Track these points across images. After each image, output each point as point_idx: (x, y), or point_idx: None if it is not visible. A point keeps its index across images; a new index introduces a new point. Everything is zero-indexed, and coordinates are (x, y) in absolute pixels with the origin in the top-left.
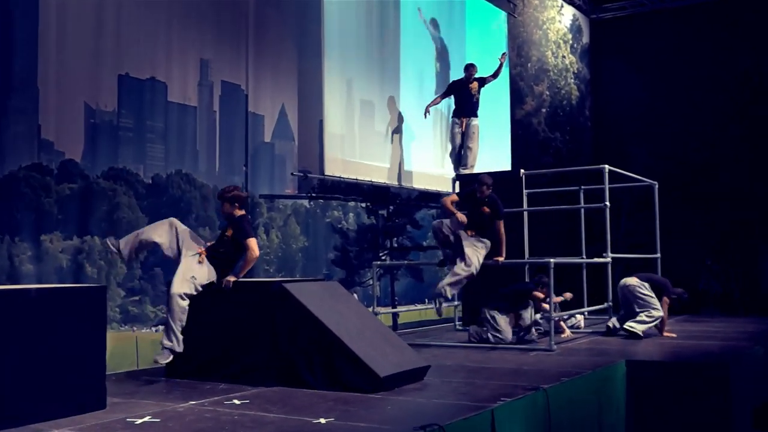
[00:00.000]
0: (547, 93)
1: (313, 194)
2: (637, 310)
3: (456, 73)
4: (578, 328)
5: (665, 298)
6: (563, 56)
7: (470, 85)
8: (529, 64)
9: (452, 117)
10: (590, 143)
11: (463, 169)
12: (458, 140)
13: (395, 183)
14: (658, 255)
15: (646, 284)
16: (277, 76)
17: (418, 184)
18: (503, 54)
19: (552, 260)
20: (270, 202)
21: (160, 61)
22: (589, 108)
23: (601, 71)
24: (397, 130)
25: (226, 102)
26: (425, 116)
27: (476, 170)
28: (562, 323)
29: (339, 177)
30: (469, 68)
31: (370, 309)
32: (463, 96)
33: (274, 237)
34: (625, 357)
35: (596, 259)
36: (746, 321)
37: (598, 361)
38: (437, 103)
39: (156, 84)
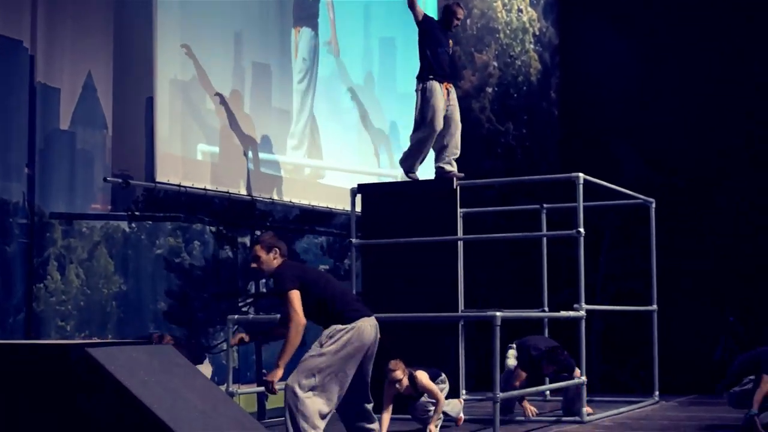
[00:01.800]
0: (495, 65)
1: (137, 212)
2: None
3: (356, 29)
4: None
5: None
6: (519, 10)
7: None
8: (468, 21)
9: (424, 80)
10: (557, 140)
11: (446, 165)
12: (438, 118)
13: (267, 196)
14: (655, 307)
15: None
16: (82, 30)
17: (295, 194)
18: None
19: (498, 314)
20: (67, 224)
21: None
22: (555, 88)
23: (574, 33)
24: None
25: None
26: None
27: (386, 179)
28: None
29: (178, 185)
30: (455, 10)
31: (224, 388)
32: (443, 47)
33: (72, 277)
34: None
35: (564, 313)
36: None
37: None
38: None
39: None
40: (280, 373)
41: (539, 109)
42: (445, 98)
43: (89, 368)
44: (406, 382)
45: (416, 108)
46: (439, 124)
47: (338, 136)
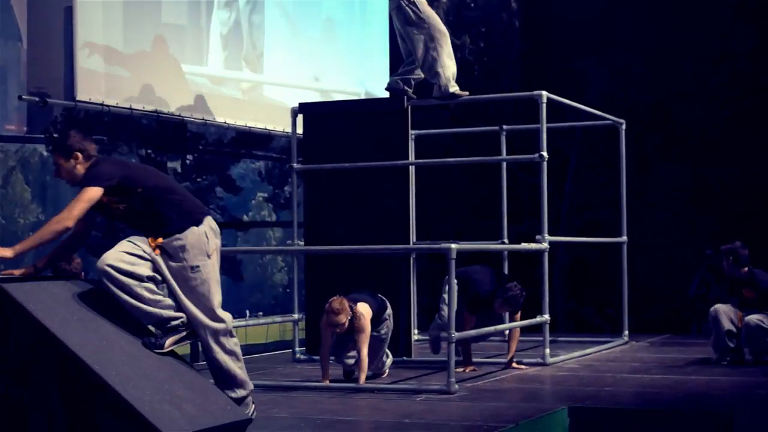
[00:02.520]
0: None
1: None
2: None
3: None
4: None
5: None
6: None
7: None
8: None
9: None
10: (518, 55)
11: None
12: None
13: (199, 117)
14: (624, 239)
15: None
16: None
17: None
18: None
19: (453, 246)
20: None
21: None
22: None
23: None
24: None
25: None
26: None
27: (315, 97)
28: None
29: (101, 104)
30: None
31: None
32: None
33: None
34: (566, 401)
35: (526, 245)
36: None
37: (523, 410)
38: None
39: None
40: (7, 253)
41: (498, 21)
42: None
43: (3, 302)
44: (347, 325)
45: (409, 23)
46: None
47: (281, 46)
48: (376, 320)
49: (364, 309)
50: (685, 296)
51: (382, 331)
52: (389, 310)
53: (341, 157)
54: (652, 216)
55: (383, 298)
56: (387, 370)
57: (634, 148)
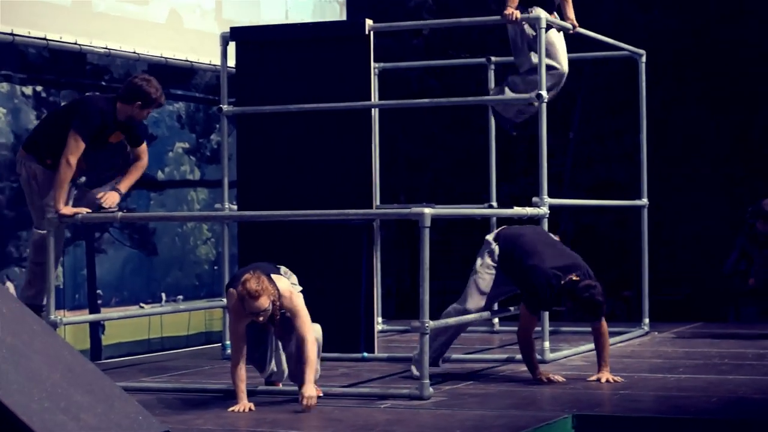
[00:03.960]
0: None
1: None
2: None
3: None
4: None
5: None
6: None
7: None
8: None
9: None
10: None
11: None
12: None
13: (102, 45)
14: (645, 202)
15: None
16: None
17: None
18: None
19: (427, 211)
20: None
21: None
22: None
23: None
24: None
25: None
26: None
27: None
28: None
29: None
30: None
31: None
32: None
33: None
34: (570, 408)
35: (520, 210)
36: None
37: (515, 419)
38: None
39: None
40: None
41: None
42: None
43: None
44: (271, 307)
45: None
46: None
47: None
48: None
49: (287, 283)
50: (720, 274)
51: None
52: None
53: (284, 98)
54: (679, 173)
55: (286, 269)
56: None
57: (656, 87)
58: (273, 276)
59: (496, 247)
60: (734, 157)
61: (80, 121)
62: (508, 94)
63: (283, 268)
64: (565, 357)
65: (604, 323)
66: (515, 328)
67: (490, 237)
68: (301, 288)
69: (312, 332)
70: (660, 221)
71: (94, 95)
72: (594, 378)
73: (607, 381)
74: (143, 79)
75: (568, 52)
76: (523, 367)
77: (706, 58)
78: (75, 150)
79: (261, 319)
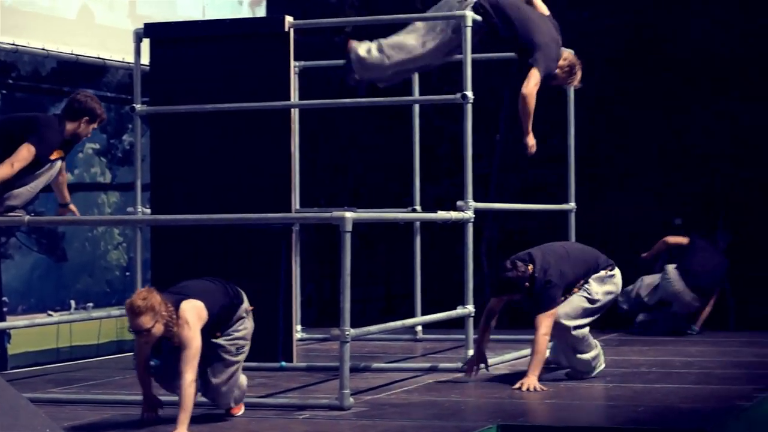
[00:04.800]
0: None
1: None
2: None
3: None
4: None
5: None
6: None
7: None
8: None
9: None
10: None
11: None
12: None
13: (9, 41)
14: (572, 206)
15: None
16: None
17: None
18: None
19: (348, 215)
20: None
21: None
22: None
23: None
24: None
25: None
26: None
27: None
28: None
29: None
30: None
31: None
32: None
33: None
34: (495, 418)
35: (444, 214)
36: (742, 341)
37: (437, 430)
38: None
39: None
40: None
41: None
42: None
43: None
44: (162, 332)
45: None
46: None
47: None
48: (224, 323)
49: (193, 310)
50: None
51: (236, 341)
52: (245, 305)
53: (200, 97)
54: (612, 173)
55: (238, 289)
56: (242, 404)
57: (590, 86)
58: (188, 299)
59: None
60: (667, 156)
61: (39, 139)
62: None
63: (234, 287)
64: (490, 365)
65: (541, 326)
66: (439, 336)
67: None
68: (247, 307)
69: (193, 372)
70: (588, 225)
71: (47, 116)
72: (516, 386)
73: (528, 389)
74: (85, 95)
75: (496, 51)
76: (444, 377)
77: (637, 58)
78: (24, 161)
79: (144, 341)
